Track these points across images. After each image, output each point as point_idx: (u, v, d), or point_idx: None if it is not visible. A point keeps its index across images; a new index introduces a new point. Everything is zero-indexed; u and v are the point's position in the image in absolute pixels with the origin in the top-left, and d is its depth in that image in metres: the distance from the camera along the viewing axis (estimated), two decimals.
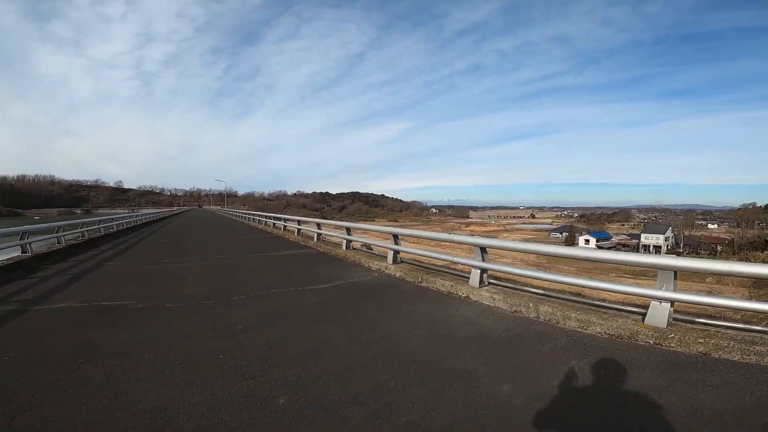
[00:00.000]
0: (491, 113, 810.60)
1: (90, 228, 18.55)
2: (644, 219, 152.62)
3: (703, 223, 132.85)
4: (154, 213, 56.28)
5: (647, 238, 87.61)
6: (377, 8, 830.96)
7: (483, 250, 5.73)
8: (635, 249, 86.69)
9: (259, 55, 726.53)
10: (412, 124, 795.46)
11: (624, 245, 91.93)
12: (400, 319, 4.86)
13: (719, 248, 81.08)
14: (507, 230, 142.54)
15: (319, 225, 12.96)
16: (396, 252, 7.93)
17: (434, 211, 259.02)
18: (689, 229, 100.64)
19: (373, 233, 9.90)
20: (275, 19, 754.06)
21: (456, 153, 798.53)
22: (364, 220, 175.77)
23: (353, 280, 7.27)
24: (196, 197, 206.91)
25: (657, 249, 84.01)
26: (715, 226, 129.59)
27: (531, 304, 4.90)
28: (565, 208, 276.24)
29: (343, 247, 10.46)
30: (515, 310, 5.01)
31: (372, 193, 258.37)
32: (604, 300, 5.40)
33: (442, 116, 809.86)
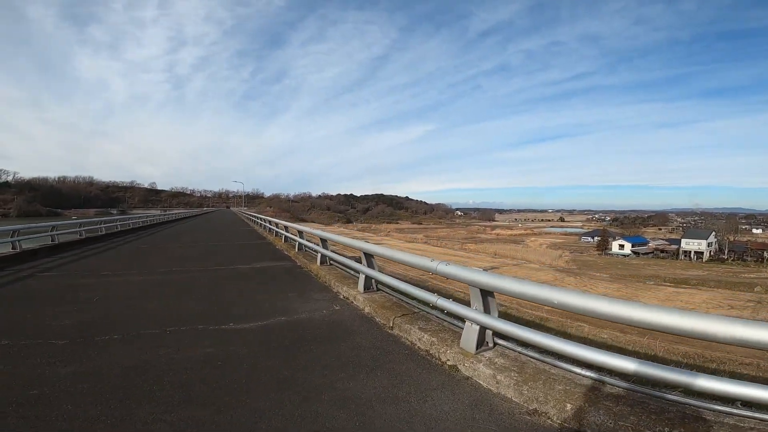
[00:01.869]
0: (518, 114, 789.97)
1: (89, 228, 17.68)
2: (683, 223, 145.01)
3: (747, 227, 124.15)
4: (175, 213, 56.76)
5: (688, 244, 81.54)
6: (400, 10, 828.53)
7: (486, 294, 3.48)
8: (675, 255, 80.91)
9: (285, 57, 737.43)
10: (437, 125, 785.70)
11: (662, 251, 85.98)
12: (316, 415, 2.68)
13: (766, 255, 74.73)
14: (534, 234, 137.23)
15: (301, 233, 10.88)
16: (369, 277, 5.71)
17: (459, 213, 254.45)
18: (733, 233, 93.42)
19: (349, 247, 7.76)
20: (300, 21, 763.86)
21: (482, 155, 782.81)
22: (387, 223, 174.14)
23: (299, 317, 5.12)
24: (224, 198, 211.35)
25: (699, 255, 78.03)
26: (760, 230, 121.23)
27: (567, 401, 2.62)
28: (596, 212, 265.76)
29: (318, 262, 8.35)
30: (535, 409, 2.73)
31: (396, 195, 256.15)
32: None
33: (467, 118, 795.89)
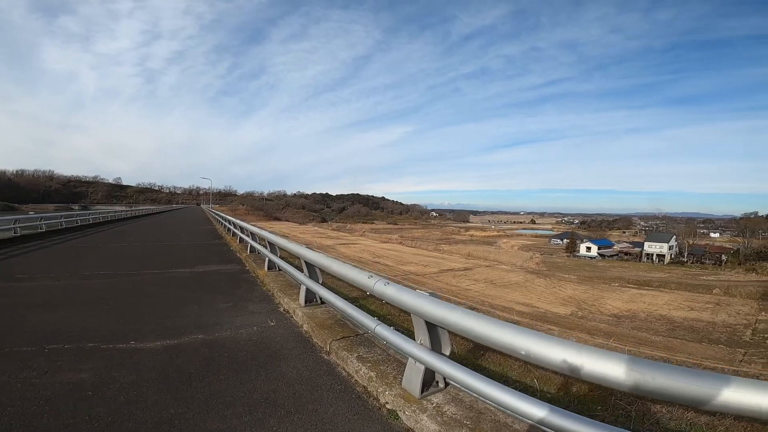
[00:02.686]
0: (495, 118, 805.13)
1: (25, 224, 16.06)
2: (645, 226, 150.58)
3: (705, 231, 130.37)
4: (140, 210, 54.01)
5: (650, 247, 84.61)
6: (386, 10, 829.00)
7: (431, 326, 2.70)
8: (638, 257, 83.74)
9: (265, 54, 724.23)
10: (416, 127, 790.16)
11: (627, 253, 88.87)
12: None
13: (724, 257, 78.39)
14: (507, 235, 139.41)
15: (253, 234, 9.88)
16: (310, 290, 4.86)
17: (434, 214, 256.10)
18: (692, 237, 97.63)
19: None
20: (282, 18, 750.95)
21: (458, 157, 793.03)
22: (363, 222, 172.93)
23: (221, 335, 4.27)
24: (194, 195, 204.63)
25: (661, 258, 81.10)
26: (717, 234, 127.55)
27: None
28: (565, 214, 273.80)
29: (265, 267, 7.46)
30: None
31: (372, 195, 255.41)
32: None
33: (445, 120, 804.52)
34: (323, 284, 4.73)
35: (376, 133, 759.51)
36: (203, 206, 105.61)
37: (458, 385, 2.62)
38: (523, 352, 1.94)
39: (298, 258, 5.22)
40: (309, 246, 5.33)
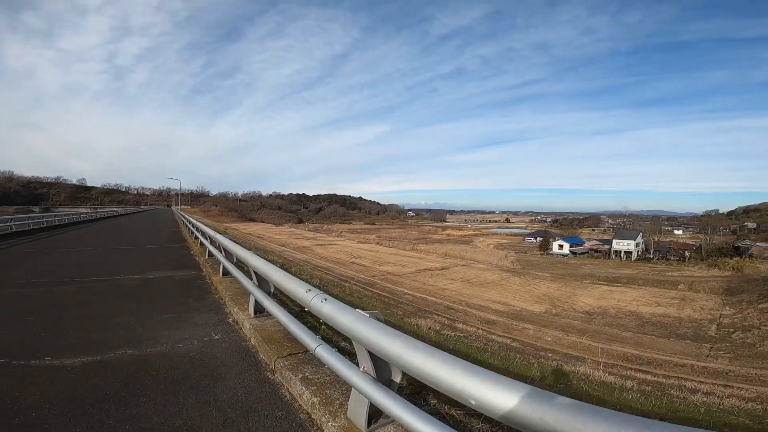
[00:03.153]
0: (471, 118, 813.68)
1: None
2: (613, 224, 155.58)
3: (669, 228, 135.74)
4: (106, 211, 51.61)
5: (618, 244, 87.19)
6: (364, 9, 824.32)
7: (371, 356, 2.23)
8: (607, 254, 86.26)
9: (240, 52, 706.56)
10: (393, 127, 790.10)
11: (596, 250, 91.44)
12: None
13: (687, 254, 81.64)
14: (483, 234, 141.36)
15: (211, 238, 9.20)
16: (258, 300, 4.33)
17: (411, 214, 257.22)
18: (657, 234, 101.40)
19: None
20: (259, 16, 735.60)
21: (435, 157, 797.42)
22: (341, 223, 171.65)
23: (156, 350, 3.73)
24: (164, 197, 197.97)
25: (628, 254, 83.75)
26: (681, 231, 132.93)
27: None
28: (538, 213, 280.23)
29: (220, 273, 6.89)
30: None
31: (350, 196, 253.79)
32: None
33: (422, 120, 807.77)
34: (274, 294, 4.25)
35: (353, 132, 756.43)
36: (174, 208, 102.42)
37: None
38: (473, 402, 1.54)
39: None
40: (251, 251, 4.85)
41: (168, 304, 5.62)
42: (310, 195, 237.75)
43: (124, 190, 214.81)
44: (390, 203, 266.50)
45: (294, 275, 9.51)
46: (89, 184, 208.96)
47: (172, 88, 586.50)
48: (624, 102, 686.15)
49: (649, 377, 15.80)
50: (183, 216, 29.12)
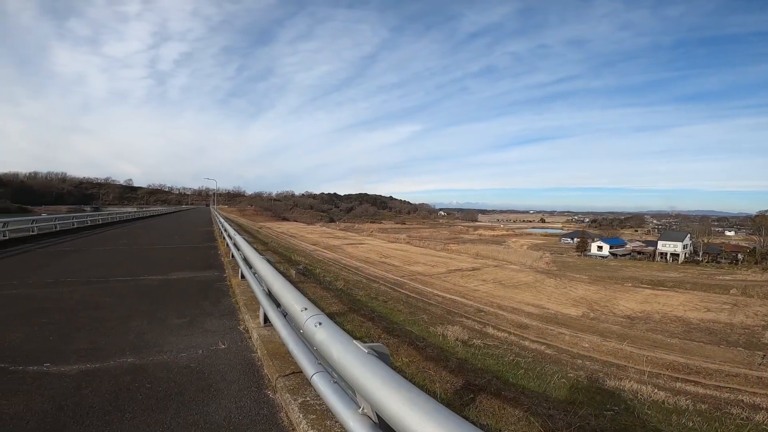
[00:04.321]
0: (503, 117, 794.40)
1: (14, 227, 15.62)
2: (658, 225, 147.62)
3: (720, 229, 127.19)
4: (150, 211, 54.16)
5: (664, 245, 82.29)
6: (391, 9, 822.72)
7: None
8: (651, 256, 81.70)
9: (272, 55, 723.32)
10: (423, 126, 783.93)
11: (640, 252, 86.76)
12: None
13: (740, 256, 76.09)
14: (516, 234, 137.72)
15: (232, 238, 9.14)
16: (264, 309, 4.05)
17: (442, 213, 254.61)
18: (707, 236, 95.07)
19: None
20: (289, 19, 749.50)
21: (466, 156, 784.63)
22: (371, 222, 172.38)
23: (158, 359, 3.57)
24: (203, 196, 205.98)
25: (675, 257, 78.94)
26: (732, 233, 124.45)
27: None
28: (575, 213, 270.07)
29: (239, 275, 6.76)
30: None
31: (380, 195, 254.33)
32: None
33: (453, 119, 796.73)
34: (277, 301, 3.98)
35: (383, 132, 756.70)
36: (211, 207, 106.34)
37: None
38: None
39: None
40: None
41: (183, 308, 5.51)
42: (341, 194, 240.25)
43: (167, 190, 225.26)
44: (421, 203, 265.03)
45: (319, 277, 9.28)
46: (135, 184, 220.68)
47: (209, 92, 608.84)
48: (667, 98, 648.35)
49: (700, 390, 14.61)
50: (217, 215, 29.93)
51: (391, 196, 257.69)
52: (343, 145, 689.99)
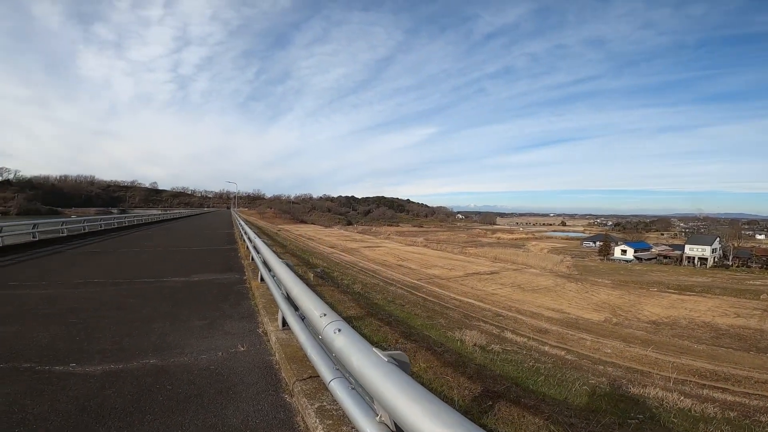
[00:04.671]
0: (521, 118, 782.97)
1: (45, 229, 16.25)
2: (686, 228, 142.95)
3: (750, 233, 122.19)
4: (172, 213, 55.64)
5: (692, 249, 79.54)
6: (405, 11, 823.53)
7: None
8: (678, 260, 79.01)
9: (289, 58, 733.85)
10: (440, 128, 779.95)
11: (666, 256, 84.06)
12: None
13: None
14: (536, 238, 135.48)
15: (251, 240, 9.28)
16: (283, 312, 4.08)
17: (460, 216, 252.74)
18: (737, 239, 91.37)
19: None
20: (305, 22, 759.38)
21: (484, 158, 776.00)
22: (388, 225, 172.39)
23: (179, 360, 3.65)
24: (224, 199, 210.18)
25: (703, 261, 76.14)
26: (763, 236, 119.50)
27: None
28: (598, 216, 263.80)
29: (258, 278, 6.84)
30: None
31: (397, 198, 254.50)
32: None
33: (470, 121, 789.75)
34: (295, 308, 4.01)
35: (400, 134, 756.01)
36: (232, 210, 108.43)
37: None
38: None
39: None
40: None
41: (204, 309, 5.62)
42: (359, 197, 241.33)
43: (189, 193, 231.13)
44: (438, 205, 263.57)
45: (336, 280, 9.31)
46: (160, 187, 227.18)
47: (229, 96, 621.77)
48: (692, 97, 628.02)
49: (728, 397, 14.05)
50: (237, 218, 30.48)
51: (408, 199, 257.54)
52: (360, 147, 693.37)
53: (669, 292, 44.67)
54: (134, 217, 32.62)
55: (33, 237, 14.88)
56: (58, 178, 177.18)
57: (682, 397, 8.04)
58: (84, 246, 14.72)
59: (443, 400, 3.17)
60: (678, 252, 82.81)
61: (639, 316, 32.93)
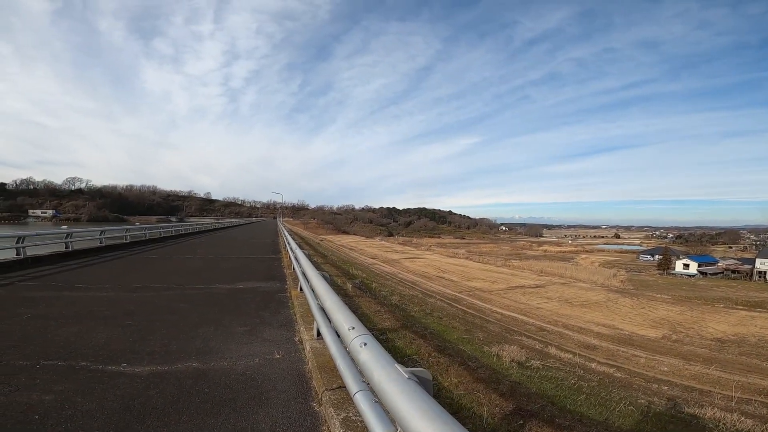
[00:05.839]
0: (569, 125, 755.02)
1: (110, 236, 17.67)
2: (756, 240, 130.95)
3: None
4: (225, 222, 58.68)
5: (764, 264, 72.19)
6: (442, 20, 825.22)
7: None
8: (748, 275, 71.96)
9: (331, 70, 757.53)
10: (482, 138, 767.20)
11: (734, 271, 76.81)
12: None
13: None
14: (586, 251, 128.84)
15: (293, 251, 9.60)
16: (318, 322, 4.22)
17: (504, 228, 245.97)
18: None
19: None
20: (344, 34, 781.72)
21: (529, 168, 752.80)
22: (429, 237, 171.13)
23: (218, 365, 3.88)
24: (271, 209, 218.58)
25: None
26: None
27: None
28: (656, 228, 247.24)
29: (299, 287, 7.07)
30: None
31: (439, 209, 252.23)
32: None
33: (514, 130, 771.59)
34: (329, 318, 4.13)
35: (441, 145, 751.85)
36: (278, 220, 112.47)
37: None
38: None
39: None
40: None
41: (246, 316, 5.92)
42: (400, 209, 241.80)
43: (239, 203, 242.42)
44: (481, 217, 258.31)
45: (374, 291, 9.42)
46: (213, 197, 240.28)
47: (275, 108, 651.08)
48: (759, 99, 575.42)
49: None
50: (282, 228, 31.60)
51: (450, 211, 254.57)
52: (401, 158, 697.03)
53: (737, 309, 40.82)
54: (189, 225, 34.76)
55: (100, 243, 16.27)
56: (124, 187, 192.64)
57: (742, 418, 7.34)
58: (144, 252, 15.88)
59: (471, 416, 3.15)
60: (748, 266, 75.48)
61: (702, 333, 30.31)
